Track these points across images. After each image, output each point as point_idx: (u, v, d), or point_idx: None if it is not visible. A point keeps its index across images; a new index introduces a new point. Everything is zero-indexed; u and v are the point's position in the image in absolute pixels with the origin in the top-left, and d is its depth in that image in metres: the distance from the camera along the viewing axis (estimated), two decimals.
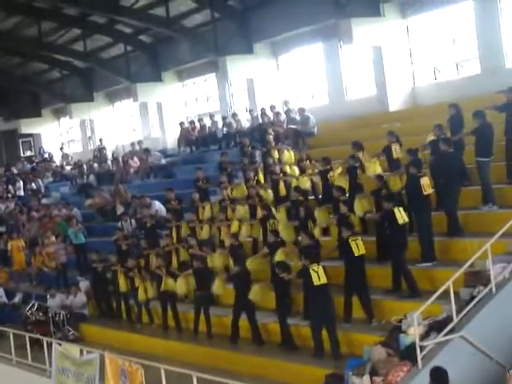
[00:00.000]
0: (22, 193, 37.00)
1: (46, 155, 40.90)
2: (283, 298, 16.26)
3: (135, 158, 32.18)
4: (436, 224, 16.11)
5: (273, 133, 24.56)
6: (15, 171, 39.38)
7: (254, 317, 17.01)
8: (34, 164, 40.59)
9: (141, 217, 24.24)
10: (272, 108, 27.02)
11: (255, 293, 17.02)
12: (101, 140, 37.13)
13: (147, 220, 23.34)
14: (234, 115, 29.20)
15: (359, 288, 15.36)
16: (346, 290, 15.48)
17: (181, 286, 19.33)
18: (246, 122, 28.55)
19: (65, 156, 39.98)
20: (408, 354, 12.14)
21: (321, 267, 14.79)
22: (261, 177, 22.34)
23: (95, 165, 34.79)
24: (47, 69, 39.57)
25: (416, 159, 16.57)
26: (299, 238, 17.19)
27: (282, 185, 20.88)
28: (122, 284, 21.37)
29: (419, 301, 13.32)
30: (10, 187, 37.56)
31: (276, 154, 22.78)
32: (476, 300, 12.74)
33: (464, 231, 16.10)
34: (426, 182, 15.97)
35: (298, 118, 25.70)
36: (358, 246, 15.27)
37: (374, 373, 12.20)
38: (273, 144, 23.64)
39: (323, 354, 14.86)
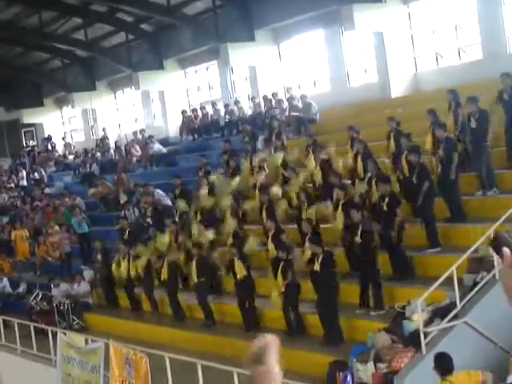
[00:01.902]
0: (25, 183, 37.06)
1: (49, 145, 40.86)
2: (290, 283, 16.26)
3: (137, 147, 32.18)
4: (438, 210, 16.13)
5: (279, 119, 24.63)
6: (23, 160, 39.54)
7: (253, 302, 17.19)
8: (36, 153, 40.64)
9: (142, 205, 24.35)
10: (274, 95, 26.97)
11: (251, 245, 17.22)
12: (104, 129, 37.11)
13: (146, 208, 23.48)
14: (237, 102, 29.17)
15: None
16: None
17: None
18: (248, 110, 28.52)
19: (67, 145, 39.99)
20: (412, 341, 12.18)
21: None
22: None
23: (98, 154, 34.80)
24: (49, 58, 39.51)
25: (415, 146, 16.58)
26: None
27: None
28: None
29: (423, 287, 13.32)
30: (14, 177, 37.65)
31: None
32: (479, 286, 12.76)
33: (466, 217, 16.10)
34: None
35: (300, 105, 25.64)
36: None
37: (378, 359, 12.25)
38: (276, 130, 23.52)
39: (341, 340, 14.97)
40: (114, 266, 21.96)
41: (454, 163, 16.16)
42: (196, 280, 18.76)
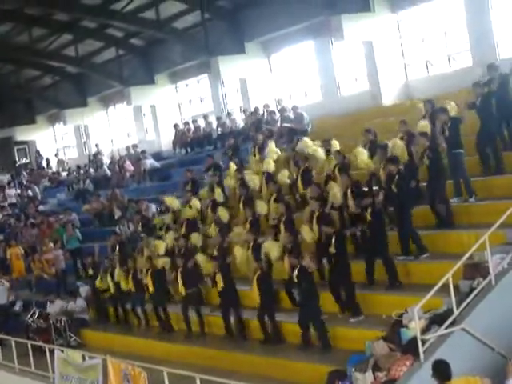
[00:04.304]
0: (14, 200, 36.99)
1: (44, 163, 40.81)
2: (267, 292, 16.35)
3: (128, 162, 32.20)
4: (425, 217, 16.26)
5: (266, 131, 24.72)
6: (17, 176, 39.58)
7: (239, 312, 17.29)
8: (28, 170, 40.65)
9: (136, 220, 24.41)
10: (265, 107, 27.02)
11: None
12: (97, 145, 37.11)
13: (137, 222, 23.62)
14: (229, 114, 29.23)
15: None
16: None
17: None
18: (240, 122, 28.57)
19: (60, 162, 39.97)
20: (410, 348, 12.15)
21: None
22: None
23: (91, 170, 34.78)
24: (40, 75, 39.53)
25: (392, 156, 16.62)
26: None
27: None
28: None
29: (418, 295, 13.31)
30: (7, 193, 37.63)
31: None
32: (476, 292, 12.76)
33: (454, 223, 16.14)
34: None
35: (291, 116, 25.68)
36: None
37: (376, 368, 12.21)
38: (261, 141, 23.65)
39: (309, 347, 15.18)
40: (98, 281, 22.19)
41: (444, 169, 16.31)
42: (184, 292, 18.81)
